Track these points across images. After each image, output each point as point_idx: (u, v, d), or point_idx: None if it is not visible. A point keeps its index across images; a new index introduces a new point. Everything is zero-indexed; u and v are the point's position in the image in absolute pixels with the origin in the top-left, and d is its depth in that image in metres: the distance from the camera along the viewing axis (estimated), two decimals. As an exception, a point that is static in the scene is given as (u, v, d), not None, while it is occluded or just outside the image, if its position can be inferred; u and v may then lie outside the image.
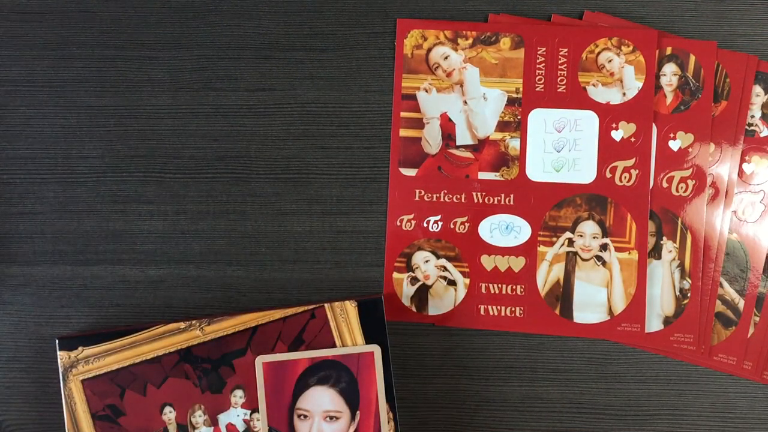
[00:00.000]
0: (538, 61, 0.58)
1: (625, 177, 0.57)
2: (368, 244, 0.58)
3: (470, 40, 0.58)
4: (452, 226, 0.58)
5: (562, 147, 0.58)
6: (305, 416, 0.55)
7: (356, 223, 0.58)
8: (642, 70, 0.57)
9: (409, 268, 0.58)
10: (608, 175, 0.57)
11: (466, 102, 0.58)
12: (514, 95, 0.58)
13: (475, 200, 0.58)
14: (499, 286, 0.58)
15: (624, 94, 0.57)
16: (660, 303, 0.57)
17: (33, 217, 0.58)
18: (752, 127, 0.57)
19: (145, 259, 0.58)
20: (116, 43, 0.58)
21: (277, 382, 0.55)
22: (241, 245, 0.58)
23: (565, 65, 0.57)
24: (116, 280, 0.58)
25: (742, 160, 0.57)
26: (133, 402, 0.55)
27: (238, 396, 0.55)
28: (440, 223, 0.58)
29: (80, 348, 0.55)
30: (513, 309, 0.57)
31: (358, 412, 0.55)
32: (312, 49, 0.58)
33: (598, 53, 0.58)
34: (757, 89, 0.57)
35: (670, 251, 0.57)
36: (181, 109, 0.58)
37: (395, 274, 0.58)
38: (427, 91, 0.58)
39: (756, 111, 0.57)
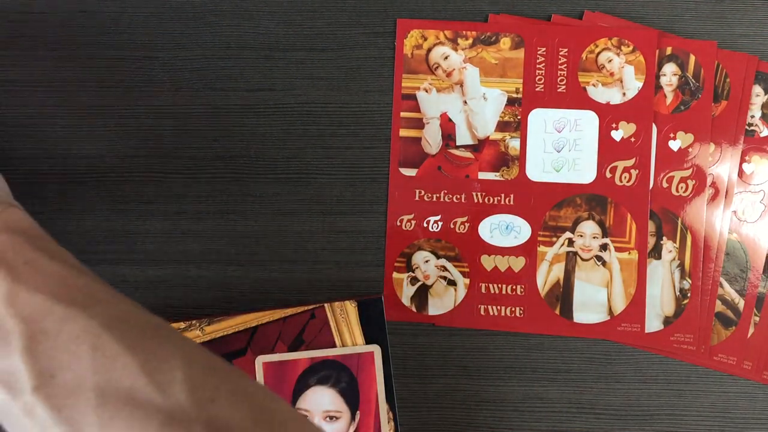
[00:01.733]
0: (538, 61, 0.58)
1: (625, 177, 0.57)
2: (368, 244, 0.58)
3: (470, 40, 0.58)
4: (452, 226, 0.58)
5: (562, 147, 0.58)
6: (305, 416, 0.55)
7: (356, 223, 0.58)
8: (642, 70, 0.57)
9: (409, 268, 0.58)
10: (608, 175, 0.57)
11: (466, 102, 0.58)
12: (514, 95, 0.58)
13: (475, 200, 0.58)
14: (499, 286, 0.58)
15: (624, 94, 0.57)
16: (660, 303, 0.57)
17: (33, 217, 0.58)
18: (752, 127, 0.57)
19: (145, 259, 0.58)
20: (116, 43, 0.58)
21: (277, 382, 0.55)
22: (241, 245, 0.58)
23: (565, 65, 0.57)
24: (116, 280, 0.58)
25: (742, 160, 0.57)
26: (133, 402, 0.55)
27: (238, 396, 0.55)
28: (440, 223, 0.58)
29: (80, 348, 0.55)
30: (513, 309, 0.57)
31: (358, 412, 0.55)
32: (312, 49, 0.58)
33: (598, 53, 0.58)
34: (757, 89, 0.57)
35: (670, 251, 0.57)
36: (181, 109, 0.58)
37: (395, 274, 0.58)
38: (427, 91, 0.58)
39: (756, 111, 0.57)
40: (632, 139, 0.57)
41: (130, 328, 0.39)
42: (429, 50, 0.58)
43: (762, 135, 0.57)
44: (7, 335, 0.37)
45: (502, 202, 0.58)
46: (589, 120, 0.57)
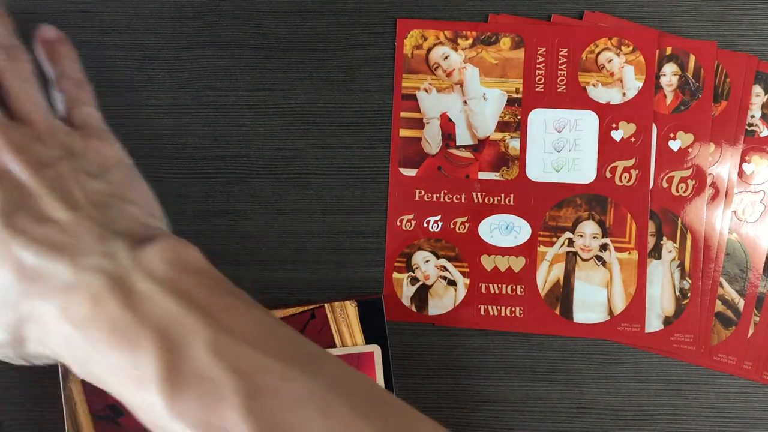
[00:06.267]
0: (538, 61, 0.58)
1: (625, 177, 0.57)
2: (368, 244, 0.58)
3: (470, 40, 0.58)
4: (452, 226, 0.58)
5: (562, 147, 0.58)
6: None
7: (356, 223, 0.58)
8: (642, 70, 0.57)
9: (409, 268, 0.58)
10: (608, 175, 0.57)
11: (466, 102, 0.58)
12: (514, 95, 0.58)
13: (475, 200, 0.58)
14: (499, 286, 0.58)
15: (624, 94, 0.57)
16: (660, 303, 0.57)
17: (33, 217, 0.58)
18: (752, 127, 0.57)
19: (145, 259, 0.58)
20: (116, 43, 0.58)
21: (277, 382, 0.55)
22: (241, 245, 0.58)
23: (565, 65, 0.57)
24: (116, 280, 0.58)
25: (742, 160, 0.57)
26: (133, 402, 0.55)
27: (238, 396, 0.55)
28: (440, 223, 0.58)
29: (80, 348, 0.55)
30: (513, 309, 0.57)
31: (358, 412, 0.55)
32: (312, 49, 0.58)
33: (598, 53, 0.58)
34: (757, 89, 0.57)
35: (670, 251, 0.57)
36: (181, 109, 0.58)
37: (395, 274, 0.58)
38: (427, 91, 0.58)
39: (756, 111, 0.57)
40: (632, 139, 0.57)
41: (358, 393, 0.35)
42: (429, 50, 0.58)
43: (762, 135, 0.57)
44: (217, 388, 0.32)
45: (502, 202, 0.58)
46: (589, 120, 0.57)
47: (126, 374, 0.33)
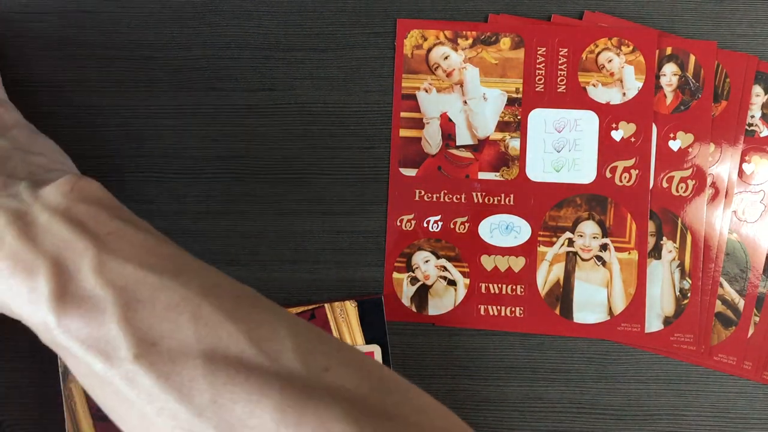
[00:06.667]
0: (538, 61, 0.58)
1: (625, 177, 0.57)
2: (368, 244, 0.58)
3: (470, 40, 0.58)
4: (452, 226, 0.58)
5: (562, 147, 0.58)
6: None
7: (356, 223, 0.58)
8: (642, 70, 0.57)
9: (409, 268, 0.58)
10: (608, 175, 0.57)
11: (466, 102, 0.58)
12: (514, 95, 0.58)
13: (475, 200, 0.58)
14: (499, 286, 0.58)
15: (624, 94, 0.57)
16: (660, 303, 0.57)
17: (33, 217, 0.58)
18: (752, 127, 0.57)
19: (145, 259, 0.58)
20: (116, 43, 0.58)
21: (277, 382, 0.55)
22: (241, 245, 0.58)
23: (565, 65, 0.58)
24: (116, 280, 0.58)
25: (742, 160, 0.57)
26: (133, 402, 0.55)
27: (238, 396, 0.55)
28: (440, 223, 0.58)
29: (80, 348, 0.55)
30: (513, 309, 0.57)
31: (358, 412, 0.55)
32: (312, 49, 0.58)
33: (598, 53, 0.58)
34: (757, 89, 0.57)
35: (670, 251, 0.57)
36: (181, 109, 0.58)
37: (395, 274, 0.58)
38: (427, 91, 0.58)
39: (756, 111, 0.57)
40: (632, 139, 0.57)
41: (227, 297, 0.38)
42: (429, 50, 0.58)
43: (762, 135, 0.57)
44: (99, 303, 0.36)
45: (502, 202, 0.58)
46: (589, 120, 0.57)
47: (25, 298, 0.37)
